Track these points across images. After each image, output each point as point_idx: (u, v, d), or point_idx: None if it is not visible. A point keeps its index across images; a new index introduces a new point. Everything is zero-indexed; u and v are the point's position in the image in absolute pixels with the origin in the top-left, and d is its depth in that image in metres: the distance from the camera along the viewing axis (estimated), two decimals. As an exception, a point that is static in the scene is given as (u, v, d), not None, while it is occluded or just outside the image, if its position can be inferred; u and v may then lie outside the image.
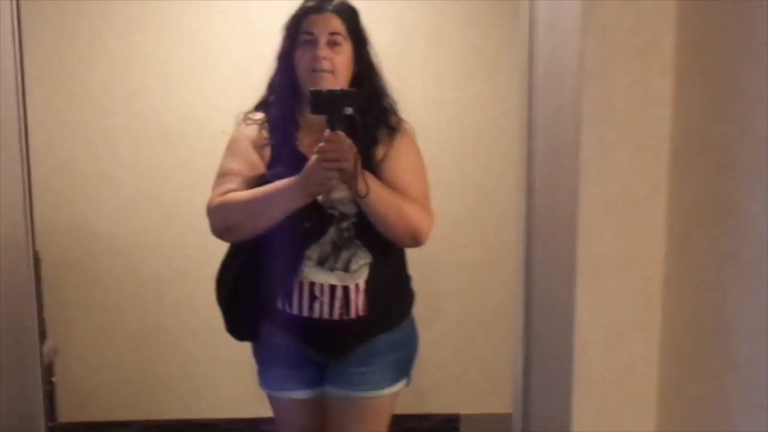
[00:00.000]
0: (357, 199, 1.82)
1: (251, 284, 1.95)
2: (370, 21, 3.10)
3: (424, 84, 3.21)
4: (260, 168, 1.92)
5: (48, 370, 2.76)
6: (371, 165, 1.88)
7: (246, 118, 2.01)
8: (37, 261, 2.70)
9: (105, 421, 3.28)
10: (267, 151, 1.94)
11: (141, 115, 3.15)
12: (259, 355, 2.09)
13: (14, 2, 1.27)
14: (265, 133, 1.95)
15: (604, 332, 0.99)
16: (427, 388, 3.36)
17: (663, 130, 0.97)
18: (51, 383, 2.77)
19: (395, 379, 2.03)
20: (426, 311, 3.31)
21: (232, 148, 1.98)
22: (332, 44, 1.89)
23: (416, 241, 1.93)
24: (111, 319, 3.25)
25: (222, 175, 1.95)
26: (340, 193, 1.85)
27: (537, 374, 1.13)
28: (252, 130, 1.97)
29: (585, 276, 0.96)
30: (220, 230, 1.92)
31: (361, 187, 1.78)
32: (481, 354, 3.36)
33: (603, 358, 0.99)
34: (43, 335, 2.69)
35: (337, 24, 1.91)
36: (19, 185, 1.22)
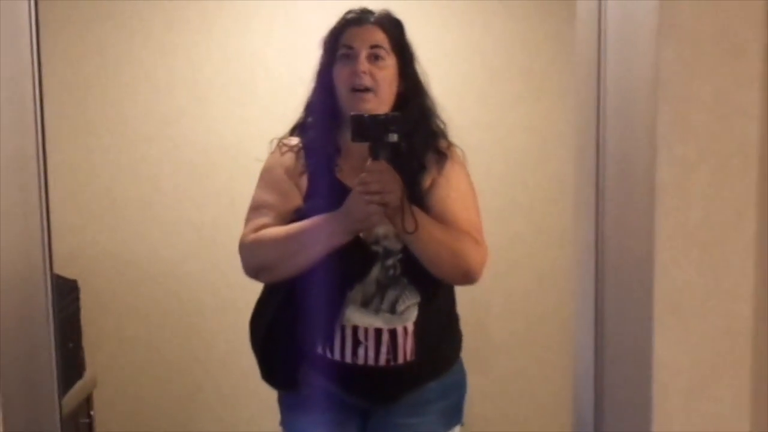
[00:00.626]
0: (403, 236, 1.67)
1: (288, 328, 1.79)
2: (412, 43, 3.08)
3: (469, 106, 3.13)
4: (297, 200, 1.78)
5: (87, 403, 2.71)
6: (418, 194, 1.74)
7: (280, 144, 1.86)
8: (75, 290, 2.69)
9: (145, 453, 3.23)
10: (304, 181, 1.79)
11: (182, 140, 3.12)
12: (289, 402, 1.91)
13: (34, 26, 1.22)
14: (301, 161, 1.80)
15: (687, 377, 0.87)
16: (473, 423, 3.24)
17: (749, 147, 0.86)
18: (89, 416, 2.71)
19: (450, 425, 1.89)
20: (473, 341, 3.23)
21: (265, 177, 1.85)
22: (374, 58, 1.75)
23: (468, 278, 1.77)
24: (150, 349, 3.20)
25: (255, 208, 1.81)
26: (385, 227, 1.70)
27: (610, 425, 1.02)
28: (287, 158, 1.82)
29: (663, 315, 0.85)
30: (253, 270, 1.78)
31: (408, 223, 1.63)
32: (530, 386, 3.24)
33: (686, 406, 0.88)
34: (81, 368, 2.66)
35: (379, 37, 1.77)
36: (36, 212, 1.16)
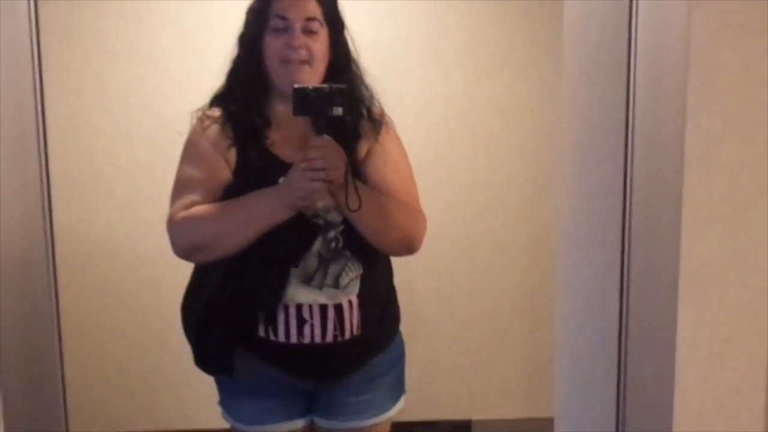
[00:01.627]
0: (345, 212, 1.61)
1: (226, 310, 1.68)
2: (375, 15, 3.04)
3: (433, 79, 3.10)
4: (225, 174, 1.67)
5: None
6: (354, 163, 1.67)
7: (203, 117, 1.74)
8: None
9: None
10: (232, 154, 1.68)
11: (137, 112, 3.02)
12: (226, 385, 1.82)
13: (32, 3, 1.15)
14: (228, 133, 1.68)
15: (707, 351, 0.87)
16: (438, 394, 3.26)
17: (775, 120, 0.86)
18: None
19: (398, 397, 1.87)
20: (437, 314, 3.26)
21: (190, 152, 1.72)
22: (308, 31, 1.66)
23: (410, 250, 1.72)
24: (108, 326, 3.12)
25: (182, 184, 1.69)
26: (326, 200, 1.63)
27: (632, 396, 1.02)
28: (212, 130, 1.70)
29: (687, 288, 0.85)
30: (185, 250, 1.66)
31: (352, 201, 1.57)
32: (492, 358, 3.27)
33: (705, 378, 0.88)
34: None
35: (313, 8, 1.68)
36: (38, 193, 1.10)
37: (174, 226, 1.66)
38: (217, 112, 1.74)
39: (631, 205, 0.96)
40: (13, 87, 1.19)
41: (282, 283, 1.66)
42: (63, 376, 1.57)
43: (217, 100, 1.78)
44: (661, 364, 0.89)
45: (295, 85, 1.57)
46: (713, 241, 0.86)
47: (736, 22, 0.82)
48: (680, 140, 0.80)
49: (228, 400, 1.85)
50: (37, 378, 1.33)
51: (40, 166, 1.15)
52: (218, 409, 1.90)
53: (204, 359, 1.78)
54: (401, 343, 1.89)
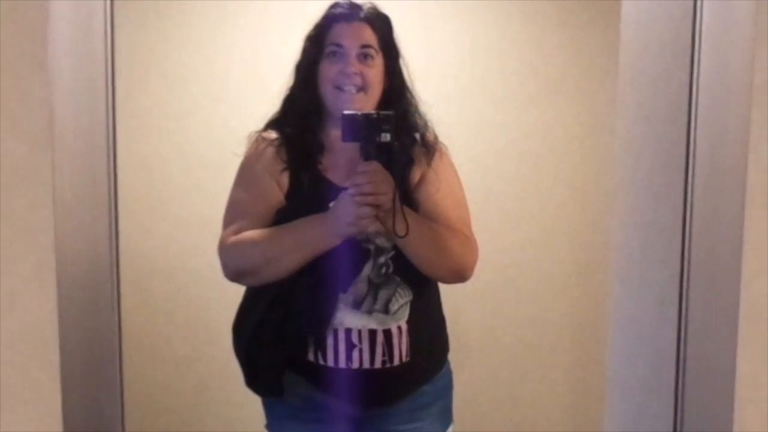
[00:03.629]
0: (393, 238, 1.62)
1: (276, 333, 1.69)
2: (427, 44, 3.08)
3: (482, 108, 3.12)
4: (277, 198, 1.69)
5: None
6: (407, 189, 1.69)
7: (259, 139, 1.77)
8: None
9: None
10: (285, 178, 1.70)
11: (194, 136, 3.09)
12: (275, 409, 1.82)
13: (109, 27, 1.21)
14: (282, 157, 1.71)
15: (767, 391, 0.86)
16: (481, 425, 3.23)
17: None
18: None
19: (445, 426, 1.85)
20: (482, 344, 3.24)
21: (244, 175, 1.75)
22: (363, 57, 1.69)
23: (460, 277, 1.72)
24: (156, 345, 3.17)
25: (233, 208, 1.73)
26: (376, 225, 1.62)
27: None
28: (267, 153, 1.73)
29: (747, 325, 0.84)
30: (234, 274, 1.70)
31: (400, 227, 1.57)
32: (537, 390, 3.23)
33: (766, 418, 0.86)
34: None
35: (369, 35, 1.70)
36: (105, 211, 1.15)
37: (224, 250, 1.70)
38: (273, 134, 1.78)
39: (690, 240, 0.95)
40: (85, 106, 1.25)
41: (331, 308, 1.67)
42: (122, 396, 1.60)
43: (273, 124, 1.81)
44: (719, 403, 0.88)
45: (344, 112, 1.59)
46: (775, 277, 0.86)
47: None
48: (742, 176, 0.80)
49: (275, 423, 1.85)
50: (97, 395, 1.37)
51: (109, 186, 1.20)
52: (262, 431, 1.91)
53: (254, 380, 1.80)
54: (449, 372, 1.89)
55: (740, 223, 0.80)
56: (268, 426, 1.89)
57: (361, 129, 1.55)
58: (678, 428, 0.99)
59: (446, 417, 1.87)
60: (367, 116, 1.57)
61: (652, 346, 1.13)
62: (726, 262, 0.87)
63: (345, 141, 1.59)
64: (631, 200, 1.33)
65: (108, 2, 1.86)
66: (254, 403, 3.13)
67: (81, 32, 1.12)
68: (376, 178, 1.56)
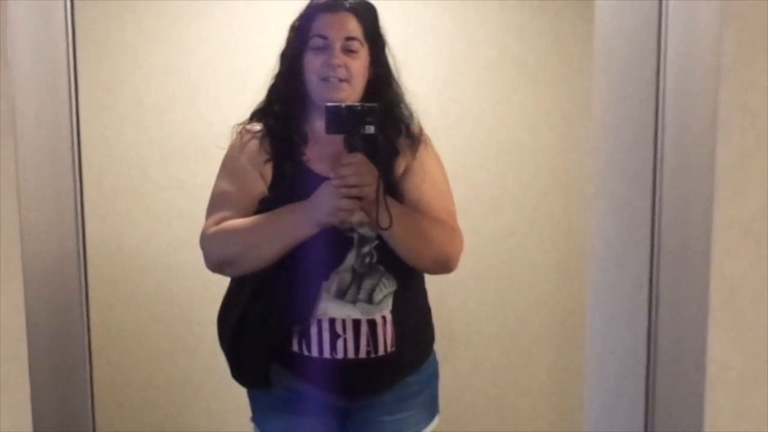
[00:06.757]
0: (377, 229, 1.62)
1: (259, 323, 1.70)
2: (405, 33, 3.07)
3: (462, 97, 3.12)
4: (260, 188, 1.70)
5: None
6: (391, 180, 1.69)
7: (243, 131, 1.77)
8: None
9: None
10: (268, 169, 1.71)
11: (172, 129, 3.07)
12: (260, 401, 1.83)
13: (70, 19, 1.19)
14: (266, 148, 1.72)
15: (739, 374, 0.86)
16: (465, 413, 3.24)
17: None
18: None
19: (432, 416, 1.85)
20: (465, 332, 3.25)
21: (227, 166, 1.75)
22: (348, 50, 1.68)
23: (446, 268, 1.73)
24: (139, 340, 3.15)
25: (216, 199, 1.73)
26: (360, 215, 1.63)
27: (660, 419, 1.01)
28: (251, 145, 1.73)
29: (717, 307, 0.84)
30: (216, 264, 1.69)
31: (383, 219, 1.57)
32: (521, 377, 3.25)
33: (736, 403, 0.87)
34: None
35: (354, 26, 1.69)
36: (71, 206, 1.14)
37: (205, 240, 1.70)
38: (257, 126, 1.77)
39: (660, 223, 0.95)
40: (49, 101, 1.23)
41: (314, 297, 1.67)
42: (92, 389, 1.59)
43: (257, 115, 1.81)
44: (691, 384, 0.88)
45: (328, 104, 1.59)
46: (744, 258, 0.85)
47: (766, 39, 0.83)
48: (710, 157, 0.81)
49: (261, 416, 1.85)
50: (67, 390, 1.36)
51: (74, 179, 1.19)
52: (248, 424, 1.90)
53: (240, 372, 1.80)
54: (435, 362, 1.89)
55: (710, 205, 0.80)
56: (254, 419, 1.88)
57: (345, 121, 1.55)
58: (650, 412, 1.00)
59: (432, 407, 1.87)
60: (351, 108, 1.57)
61: (627, 330, 1.14)
62: (697, 243, 0.88)
63: (329, 133, 1.59)
64: (604, 184, 1.34)
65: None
66: (238, 397, 3.14)
67: (42, 28, 1.11)
68: (360, 170, 1.56)
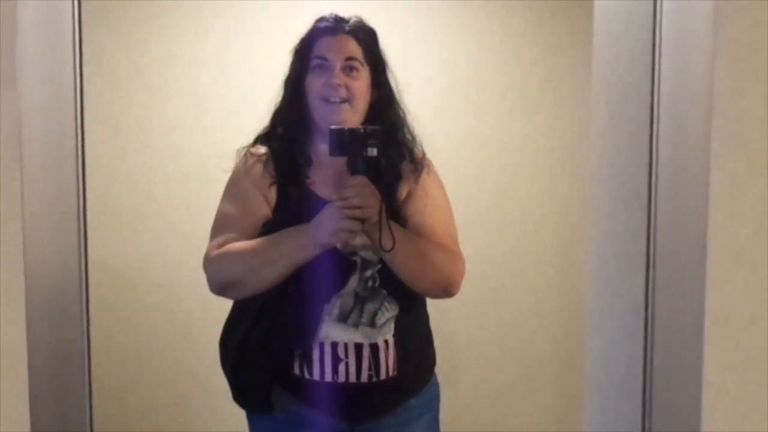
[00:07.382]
0: (381, 252, 1.62)
1: (261, 347, 1.69)
2: (407, 56, 3.09)
3: (464, 121, 3.14)
4: (264, 212, 1.70)
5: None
6: (394, 204, 1.69)
7: (247, 154, 1.77)
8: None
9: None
10: (273, 192, 1.71)
11: (177, 149, 3.09)
12: (261, 425, 1.80)
13: (77, 40, 1.21)
14: (270, 171, 1.72)
15: (733, 397, 0.87)
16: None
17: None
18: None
19: None
20: (466, 356, 3.24)
21: (231, 190, 1.75)
22: (348, 69, 1.69)
23: (448, 292, 1.72)
24: (139, 359, 3.15)
25: (220, 221, 1.73)
26: (362, 238, 1.63)
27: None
28: (255, 169, 1.73)
29: (713, 331, 0.85)
30: (219, 287, 1.68)
31: (386, 241, 1.57)
32: (521, 401, 3.23)
33: (732, 426, 0.87)
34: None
35: (354, 48, 1.71)
36: (74, 225, 1.15)
37: (209, 262, 1.70)
38: (261, 149, 1.78)
39: (655, 247, 0.96)
40: (54, 121, 1.25)
41: (317, 320, 1.66)
42: (91, 409, 1.59)
43: (261, 139, 1.81)
44: (687, 407, 0.89)
45: (331, 127, 1.60)
46: (739, 283, 0.86)
47: (758, 67, 0.84)
48: (704, 183, 0.82)
49: None
50: (66, 410, 1.36)
51: (78, 198, 1.21)
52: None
53: (241, 396, 1.79)
54: (437, 385, 1.88)
55: (704, 230, 0.81)
56: None
57: (347, 143, 1.57)
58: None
59: (434, 429, 1.86)
60: (353, 131, 1.58)
61: (624, 354, 1.14)
62: (692, 267, 0.88)
63: (332, 155, 1.60)
64: (602, 209, 1.35)
65: (75, 12, 1.87)
66: (237, 416, 3.13)
67: (50, 48, 1.13)
68: (362, 191, 1.57)
